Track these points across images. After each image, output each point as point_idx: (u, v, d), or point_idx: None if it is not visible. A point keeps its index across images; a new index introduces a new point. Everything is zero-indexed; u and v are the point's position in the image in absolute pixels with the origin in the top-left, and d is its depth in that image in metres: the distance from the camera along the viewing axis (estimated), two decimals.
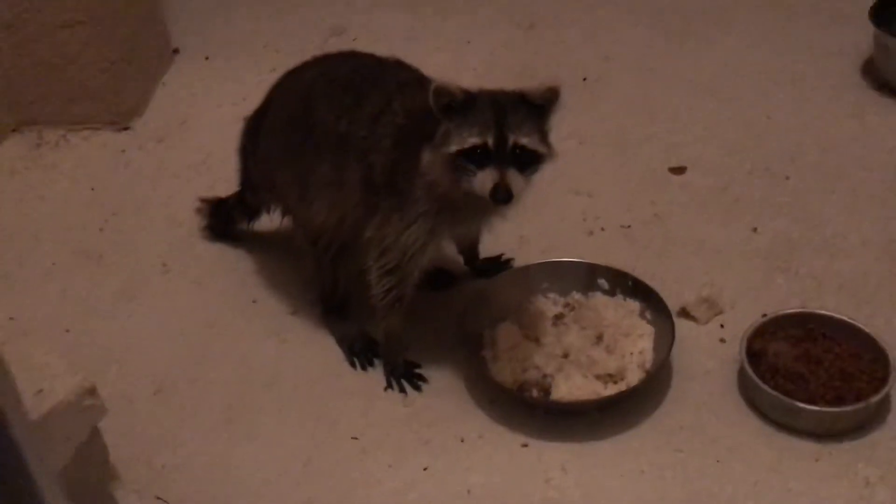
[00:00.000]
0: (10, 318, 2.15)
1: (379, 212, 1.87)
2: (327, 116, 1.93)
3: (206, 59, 3.02)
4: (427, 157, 1.79)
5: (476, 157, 1.74)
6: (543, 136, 1.80)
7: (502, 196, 1.74)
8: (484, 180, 1.74)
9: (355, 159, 1.89)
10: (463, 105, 1.75)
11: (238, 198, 2.27)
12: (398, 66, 2.00)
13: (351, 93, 1.92)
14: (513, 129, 1.75)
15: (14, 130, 2.75)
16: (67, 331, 2.14)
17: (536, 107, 1.79)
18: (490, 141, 1.74)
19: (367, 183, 1.88)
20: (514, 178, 1.75)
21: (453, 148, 1.75)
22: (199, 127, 2.74)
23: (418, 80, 1.92)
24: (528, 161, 1.77)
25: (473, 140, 1.74)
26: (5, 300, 2.20)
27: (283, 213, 2.14)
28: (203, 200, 2.34)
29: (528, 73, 2.86)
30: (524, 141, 1.76)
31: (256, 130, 2.12)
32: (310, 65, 2.08)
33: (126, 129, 2.75)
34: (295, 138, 1.99)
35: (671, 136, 2.59)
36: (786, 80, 2.75)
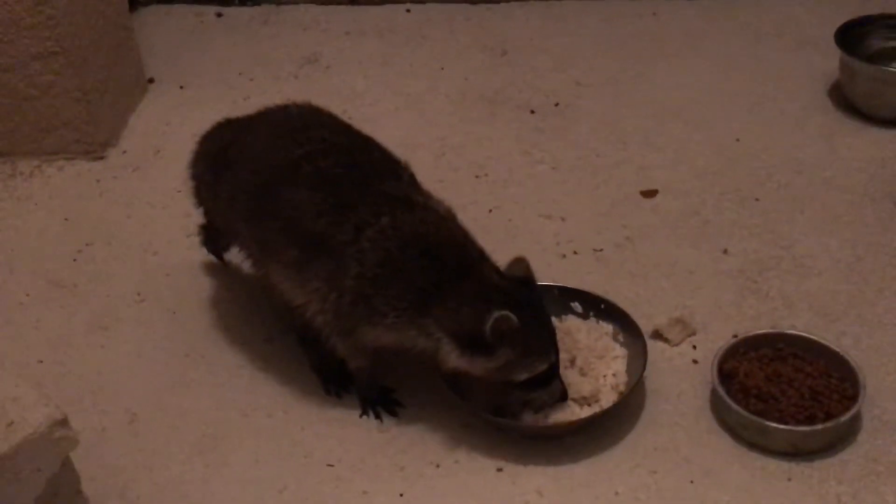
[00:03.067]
0: None
1: (341, 317, 1.85)
2: (305, 208, 1.87)
3: (181, 87, 3.03)
4: (460, 361, 1.79)
5: (542, 376, 1.82)
6: None
7: (566, 396, 1.87)
8: (553, 391, 1.86)
9: (329, 256, 1.84)
10: (519, 331, 1.76)
11: (209, 222, 2.26)
12: (389, 166, 1.95)
13: (335, 193, 1.87)
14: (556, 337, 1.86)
15: None
16: (41, 361, 2.13)
17: (538, 292, 1.90)
18: (553, 358, 1.83)
19: (331, 277, 1.85)
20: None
21: (523, 376, 1.81)
22: (174, 156, 2.73)
23: (407, 199, 1.89)
24: None
25: (542, 367, 1.81)
26: None
27: (241, 251, 2.12)
28: (200, 227, 2.30)
29: (501, 99, 2.90)
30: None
31: (218, 164, 2.08)
32: (296, 133, 1.99)
33: (101, 158, 2.75)
34: (262, 209, 1.94)
35: (642, 159, 2.62)
36: (755, 103, 2.79)
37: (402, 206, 1.87)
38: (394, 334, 1.84)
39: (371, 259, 1.82)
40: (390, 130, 2.73)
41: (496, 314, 1.73)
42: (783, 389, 1.89)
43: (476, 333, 1.76)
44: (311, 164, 1.91)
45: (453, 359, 1.80)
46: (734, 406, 1.85)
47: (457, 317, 1.78)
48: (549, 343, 1.83)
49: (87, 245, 2.46)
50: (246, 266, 2.15)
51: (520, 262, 1.87)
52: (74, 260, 2.41)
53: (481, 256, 1.87)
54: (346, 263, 1.83)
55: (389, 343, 1.86)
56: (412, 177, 1.97)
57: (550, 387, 1.84)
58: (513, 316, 1.74)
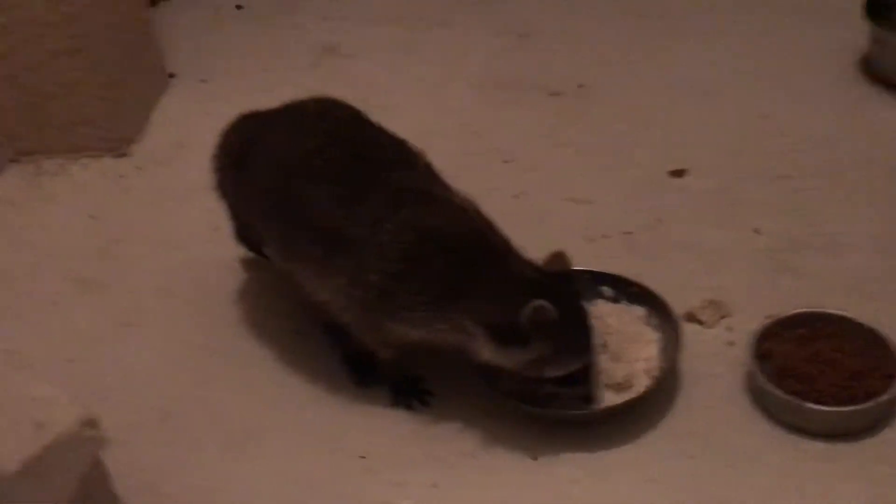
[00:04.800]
0: (6, 350, 2.13)
1: (365, 314, 1.83)
2: (320, 204, 1.85)
3: (202, 81, 3.02)
4: (491, 354, 1.75)
5: (574, 376, 1.78)
6: None
7: (590, 400, 1.81)
8: (576, 394, 1.80)
9: (349, 252, 1.82)
10: (557, 323, 1.72)
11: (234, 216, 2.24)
12: (402, 156, 1.92)
13: (349, 186, 1.85)
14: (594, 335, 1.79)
15: (12, 161, 2.74)
16: (70, 361, 2.13)
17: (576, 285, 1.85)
18: (588, 359, 1.77)
19: (353, 276, 1.82)
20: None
21: (552, 374, 1.76)
22: (198, 149, 2.70)
23: (426, 191, 1.86)
24: None
25: (574, 365, 1.76)
26: (5, 333, 2.18)
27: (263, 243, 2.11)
28: (233, 225, 2.27)
29: (523, 83, 2.87)
30: None
31: (240, 160, 2.06)
32: (308, 127, 1.99)
33: (124, 155, 2.74)
34: (278, 207, 1.92)
35: (669, 139, 2.58)
36: (782, 79, 2.74)
37: (420, 198, 1.84)
38: (422, 330, 1.81)
39: (392, 253, 1.80)
40: (412, 118, 2.70)
41: (534, 304, 1.70)
42: (821, 370, 1.85)
43: (511, 324, 1.72)
44: (322, 158, 1.89)
45: (488, 352, 1.76)
46: (772, 388, 1.82)
47: (492, 308, 1.75)
48: (586, 342, 1.78)
49: (113, 242, 2.45)
50: (274, 260, 2.14)
51: (559, 257, 1.84)
52: (101, 257, 2.41)
53: (508, 248, 1.84)
54: (366, 259, 1.81)
55: (418, 338, 1.83)
56: (428, 167, 1.94)
57: (580, 388, 1.81)
58: (550, 307, 1.70)
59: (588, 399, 1.82)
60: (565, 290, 1.80)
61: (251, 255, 2.29)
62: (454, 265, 1.78)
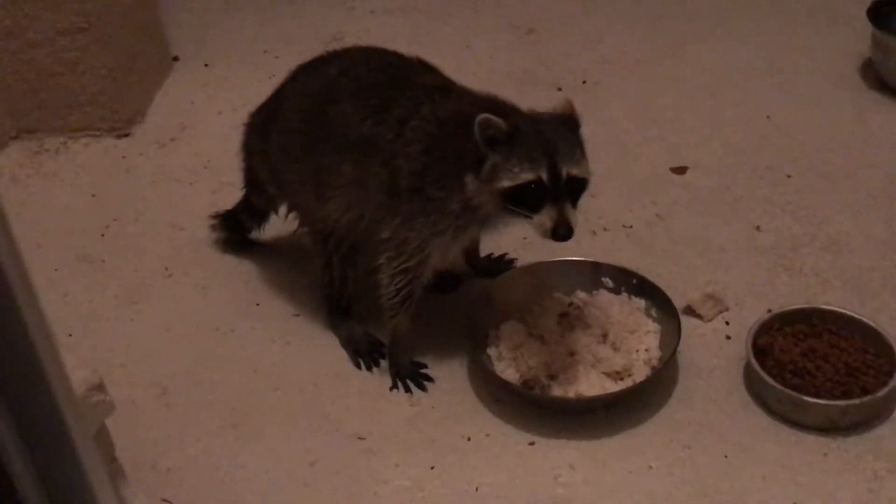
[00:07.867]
0: None
1: (400, 214, 1.84)
2: (351, 117, 1.89)
3: (206, 65, 3.02)
4: (472, 186, 1.74)
5: (530, 194, 1.69)
6: (586, 160, 1.77)
7: (564, 233, 1.69)
8: (543, 220, 1.69)
9: (380, 162, 1.86)
10: (509, 137, 1.70)
11: (244, 202, 2.25)
12: (421, 66, 1.97)
13: (376, 95, 1.89)
14: (564, 159, 1.70)
15: (14, 138, 2.74)
16: (70, 335, 2.13)
17: (573, 128, 1.76)
18: (544, 175, 1.69)
19: (390, 186, 1.85)
20: (571, 211, 1.70)
21: (505, 184, 1.70)
22: (200, 133, 2.74)
23: (444, 87, 1.90)
24: (580, 190, 1.74)
25: (526, 176, 1.69)
26: None
27: (291, 211, 2.11)
28: (214, 216, 2.31)
29: (528, 78, 2.87)
30: (575, 171, 1.72)
31: (265, 127, 2.08)
32: (328, 61, 2.04)
33: (126, 135, 2.74)
34: (313, 136, 1.95)
35: (672, 137, 2.59)
36: (785, 80, 2.76)
37: (439, 93, 1.87)
38: (443, 215, 1.80)
39: (415, 150, 1.82)
40: None
41: (479, 118, 1.69)
42: (818, 365, 1.87)
43: (475, 147, 1.71)
44: (348, 77, 1.94)
45: (472, 185, 1.74)
46: (770, 381, 1.83)
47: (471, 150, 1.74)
48: (542, 158, 1.69)
49: (114, 221, 2.45)
50: (295, 228, 2.12)
51: (564, 103, 1.81)
52: (102, 235, 2.41)
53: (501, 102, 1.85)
54: (397, 163, 1.83)
55: (447, 230, 1.83)
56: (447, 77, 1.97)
57: (541, 210, 1.69)
58: (495, 118, 1.69)
59: (561, 226, 1.69)
60: (539, 119, 1.77)
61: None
62: (464, 140, 1.75)
